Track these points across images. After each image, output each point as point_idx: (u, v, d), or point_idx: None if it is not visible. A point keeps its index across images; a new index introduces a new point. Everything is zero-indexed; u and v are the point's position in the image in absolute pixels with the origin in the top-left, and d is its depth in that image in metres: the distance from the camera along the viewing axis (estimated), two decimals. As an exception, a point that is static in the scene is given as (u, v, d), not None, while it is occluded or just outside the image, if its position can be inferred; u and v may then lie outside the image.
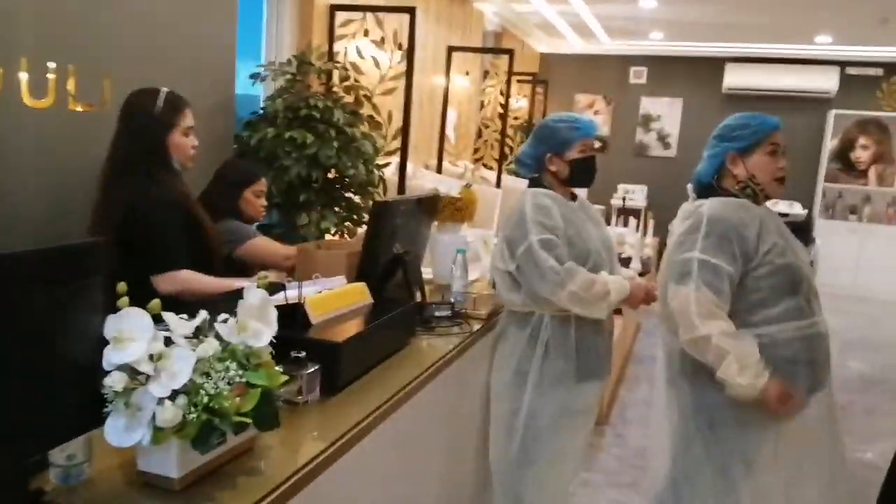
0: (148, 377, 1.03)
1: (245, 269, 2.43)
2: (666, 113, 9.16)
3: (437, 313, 2.28)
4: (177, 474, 1.10)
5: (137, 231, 2.00)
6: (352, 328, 1.73)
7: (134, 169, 2.05)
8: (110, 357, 1.02)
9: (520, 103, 7.68)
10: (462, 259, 2.41)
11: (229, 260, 2.40)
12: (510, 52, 5.99)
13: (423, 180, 4.60)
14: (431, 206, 2.56)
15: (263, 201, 2.66)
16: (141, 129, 2.08)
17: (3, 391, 0.90)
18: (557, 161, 2.19)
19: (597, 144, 2.31)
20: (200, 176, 2.58)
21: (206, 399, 1.06)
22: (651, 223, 6.35)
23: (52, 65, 2.44)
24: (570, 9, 6.94)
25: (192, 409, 1.05)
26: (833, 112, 8.26)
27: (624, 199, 7.70)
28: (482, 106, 7.12)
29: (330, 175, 3.50)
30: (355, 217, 3.69)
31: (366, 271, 2.12)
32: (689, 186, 2.15)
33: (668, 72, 9.06)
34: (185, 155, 2.16)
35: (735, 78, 8.57)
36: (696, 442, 1.99)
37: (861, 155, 8.23)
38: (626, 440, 3.77)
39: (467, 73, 6.44)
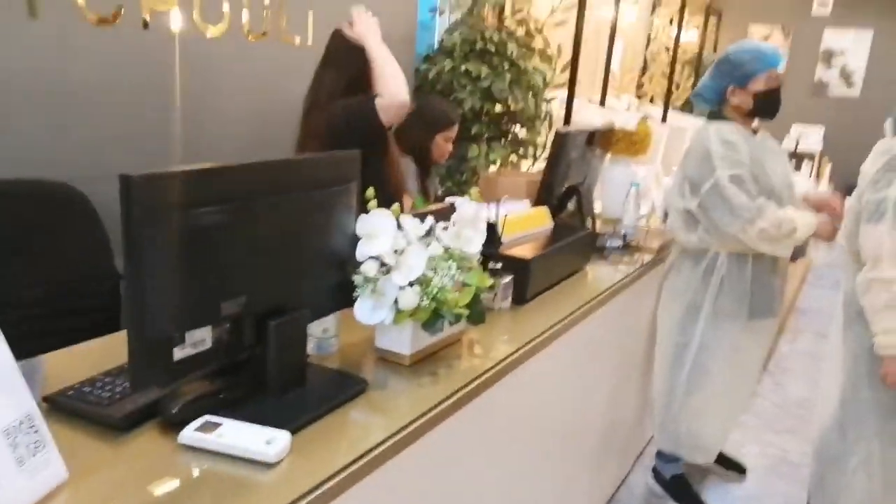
0: (390, 268, 1.24)
1: None
2: (851, 47, 8.35)
3: (609, 243, 2.38)
4: (408, 351, 1.32)
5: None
6: (537, 248, 1.88)
7: (334, 100, 2.12)
8: (363, 249, 1.23)
9: (689, 35, 7.32)
10: (636, 192, 2.46)
11: None
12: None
13: (587, 114, 4.60)
14: (606, 140, 2.62)
15: (450, 146, 2.68)
16: (346, 62, 2.15)
17: (288, 271, 1.13)
18: (741, 93, 2.17)
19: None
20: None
21: (435, 290, 1.25)
22: (827, 168, 5.95)
23: (266, 1, 2.73)
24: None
25: (425, 297, 1.24)
26: None
27: (797, 141, 7.22)
28: (649, 41, 6.88)
29: (497, 108, 3.62)
30: (520, 151, 3.82)
31: (543, 199, 2.25)
32: (888, 122, 2.06)
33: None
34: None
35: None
36: (865, 385, 1.97)
37: None
38: (786, 389, 3.71)
39: (637, 1, 6.24)
